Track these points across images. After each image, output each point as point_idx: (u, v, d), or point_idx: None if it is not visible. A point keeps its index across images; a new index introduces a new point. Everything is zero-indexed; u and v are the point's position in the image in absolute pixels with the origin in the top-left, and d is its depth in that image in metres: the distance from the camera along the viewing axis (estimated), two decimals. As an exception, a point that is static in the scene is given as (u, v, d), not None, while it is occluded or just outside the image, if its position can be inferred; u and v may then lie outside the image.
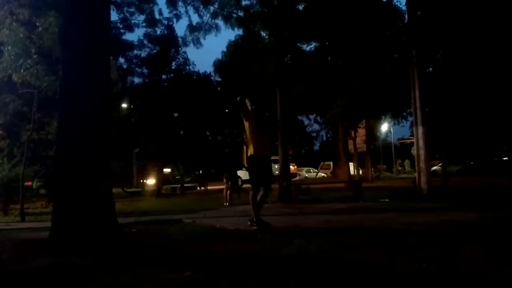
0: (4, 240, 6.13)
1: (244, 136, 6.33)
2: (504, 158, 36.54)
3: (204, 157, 34.08)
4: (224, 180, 12.59)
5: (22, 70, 10.70)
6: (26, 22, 10.92)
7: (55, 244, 4.97)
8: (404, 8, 13.23)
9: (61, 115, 5.51)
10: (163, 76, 34.48)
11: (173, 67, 33.97)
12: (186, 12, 15.33)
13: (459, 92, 14.40)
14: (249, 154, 6.43)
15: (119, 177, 27.18)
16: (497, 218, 6.35)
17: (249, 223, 6.25)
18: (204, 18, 13.92)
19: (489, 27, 12.12)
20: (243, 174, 16.08)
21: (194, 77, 34.22)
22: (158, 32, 31.38)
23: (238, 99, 6.46)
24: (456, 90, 14.31)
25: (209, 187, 22.53)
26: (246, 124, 6.44)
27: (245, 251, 4.52)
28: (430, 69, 15.00)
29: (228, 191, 12.19)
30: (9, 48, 10.65)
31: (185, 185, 22.84)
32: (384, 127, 39.86)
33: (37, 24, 10.84)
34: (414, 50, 11.46)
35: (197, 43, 14.98)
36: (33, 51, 10.78)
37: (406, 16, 12.67)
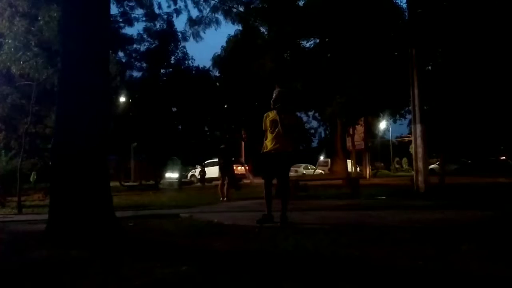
0: (1, 232, 6.14)
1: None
2: (502, 158, 36.65)
3: (201, 152, 34.10)
4: (219, 176, 12.58)
5: (21, 62, 10.65)
6: (26, 14, 10.86)
7: (52, 237, 4.98)
8: (404, 6, 13.24)
9: (60, 107, 5.50)
10: (162, 71, 34.46)
11: (172, 62, 33.95)
12: (186, 6, 15.28)
13: (458, 91, 14.41)
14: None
15: (116, 171, 27.20)
16: (493, 217, 6.37)
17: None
18: (204, 12, 13.88)
19: (489, 26, 12.13)
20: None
21: (193, 72, 34.20)
22: (158, 26, 31.36)
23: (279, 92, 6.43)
24: (455, 89, 14.32)
25: (206, 183, 22.57)
26: (269, 121, 6.36)
27: (242, 246, 4.53)
28: (429, 67, 15.01)
29: (225, 187, 12.18)
30: (9, 41, 10.60)
31: (182, 180, 22.86)
32: (383, 124, 39.95)
33: (39, 18, 10.79)
34: (413, 48, 11.44)
35: (196, 36, 14.95)
36: (32, 43, 10.73)
37: (406, 14, 12.67)
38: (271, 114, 6.42)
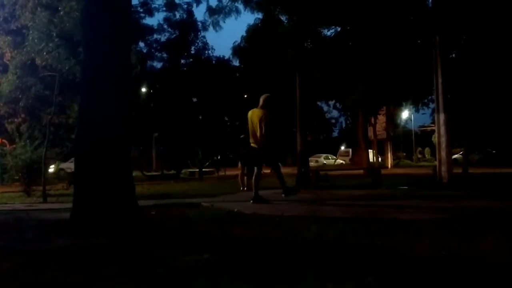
0: (28, 220, 6.27)
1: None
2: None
3: (222, 142, 34.21)
4: (239, 166, 12.56)
5: (44, 53, 10.80)
6: (48, 5, 10.99)
7: (77, 225, 5.05)
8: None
9: (83, 97, 5.55)
10: (182, 61, 34.63)
11: (192, 52, 34.08)
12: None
13: (482, 79, 14.10)
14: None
15: (138, 160, 27.46)
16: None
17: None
18: (224, 1, 13.83)
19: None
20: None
21: (213, 62, 34.26)
22: (178, 16, 31.44)
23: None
24: (479, 77, 14.02)
25: (227, 172, 22.64)
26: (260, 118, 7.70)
27: (263, 235, 4.53)
28: (453, 55, 14.70)
29: (245, 177, 12.16)
30: (31, 32, 10.75)
31: (203, 169, 22.95)
32: (405, 114, 39.43)
33: (59, 8, 10.89)
34: (437, 35, 11.21)
35: (216, 26, 14.88)
36: (54, 34, 10.85)
37: (430, 0, 12.41)
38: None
